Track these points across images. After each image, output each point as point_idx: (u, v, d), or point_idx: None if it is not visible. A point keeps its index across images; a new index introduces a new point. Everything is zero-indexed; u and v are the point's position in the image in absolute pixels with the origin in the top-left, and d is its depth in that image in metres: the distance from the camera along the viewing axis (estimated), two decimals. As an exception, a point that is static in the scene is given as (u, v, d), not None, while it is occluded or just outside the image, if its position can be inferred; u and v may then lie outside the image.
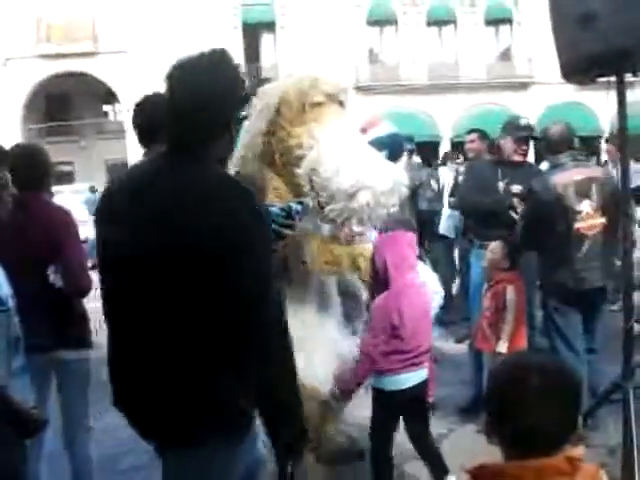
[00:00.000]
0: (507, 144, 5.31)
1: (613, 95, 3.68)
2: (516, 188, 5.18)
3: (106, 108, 31.52)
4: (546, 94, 27.17)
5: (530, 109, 22.79)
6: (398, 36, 29.23)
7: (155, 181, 2.39)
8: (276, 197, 3.91)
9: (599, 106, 26.31)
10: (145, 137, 3.46)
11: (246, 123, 4.17)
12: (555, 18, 3.65)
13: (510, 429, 1.76)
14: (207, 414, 2.29)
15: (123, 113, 27.79)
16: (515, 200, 5.16)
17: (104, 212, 2.51)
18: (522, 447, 1.74)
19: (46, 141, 28.46)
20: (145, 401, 2.36)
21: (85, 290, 3.57)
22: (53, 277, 3.55)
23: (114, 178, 2.83)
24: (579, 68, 3.62)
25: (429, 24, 29.51)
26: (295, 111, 3.89)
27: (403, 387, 3.77)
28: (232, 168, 4.02)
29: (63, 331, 3.52)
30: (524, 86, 28.88)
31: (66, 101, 31.04)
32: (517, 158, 5.33)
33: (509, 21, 29.78)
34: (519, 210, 5.09)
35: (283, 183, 3.98)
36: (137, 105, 3.61)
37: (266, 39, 29.95)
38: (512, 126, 5.41)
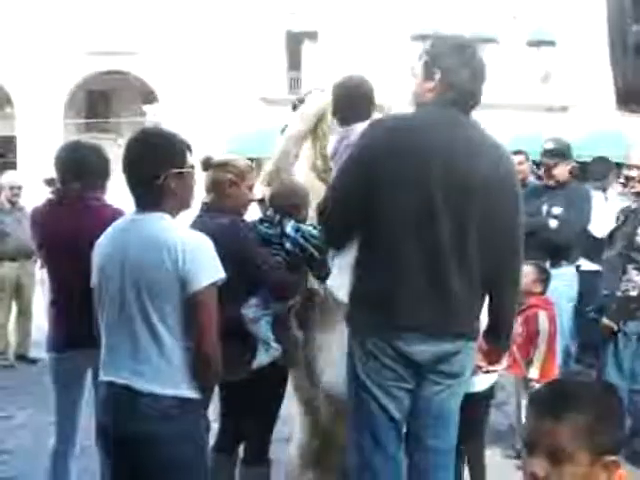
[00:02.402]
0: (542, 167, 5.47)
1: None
2: (556, 210, 5.25)
3: (145, 107, 31.74)
4: (587, 118, 26.97)
5: (568, 133, 22.59)
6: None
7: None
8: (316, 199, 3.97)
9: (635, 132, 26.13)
10: None
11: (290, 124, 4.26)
12: (613, 45, 3.64)
13: None
14: None
15: (162, 113, 27.99)
16: (552, 221, 5.21)
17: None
18: None
19: (84, 137, 28.79)
20: None
21: None
22: None
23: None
24: (635, 97, 3.62)
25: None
26: None
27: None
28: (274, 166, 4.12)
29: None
30: (563, 109, 28.67)
31: (106, 99, 31.32)
32: (547, 182, 5.44)
33: (551, 43, 29.59)
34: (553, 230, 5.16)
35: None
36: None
37: (308, 48, 30.02)
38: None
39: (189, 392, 2.72)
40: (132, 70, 28.35)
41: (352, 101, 3.62)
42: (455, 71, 3.10)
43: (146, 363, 2.69)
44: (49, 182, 7.64)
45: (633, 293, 4.61)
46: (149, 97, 29.99)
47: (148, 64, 27.63)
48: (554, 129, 25.17)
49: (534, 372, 4.74)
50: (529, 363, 4.75)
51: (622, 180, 5.29)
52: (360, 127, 3.37)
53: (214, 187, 3.64)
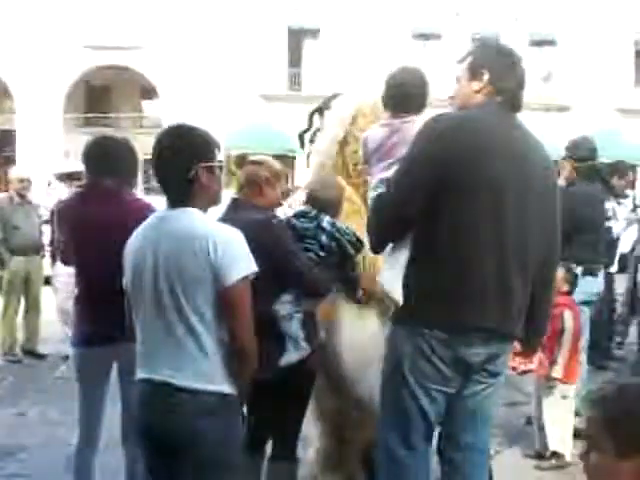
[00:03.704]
0: None
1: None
2: None
3: (145, 103, 31.72)
4: (586, 118, 27.00)
5: (568, 133, 22.61)
6: (442, 50, 29.14)
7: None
8: (350, 208, 3.96)
9: (635, 134, 26.18)
10: None
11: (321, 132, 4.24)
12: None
13: None
14: None
15: (161, 108, 27.95)
16: None
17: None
18: None
19: (83, 131, 28.69)
20: None
21: None
22: None
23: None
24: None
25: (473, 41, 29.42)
26: (369, 123, 3.93)
27: None
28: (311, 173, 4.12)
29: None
30: (564, 109, 28.70)
31: (106, 93, 31.26)
32: None
33: (552, 43, 29.64)
34: None
35: (358, 194, 4.02)
36: None
37: (309, 45, 30.01)
38: None
39: (227, 387, 2.71)
40: (132, 65, 28.29)
41: (408, 93, 3.56)
42: (504, 73, 3.11)
43: (183, 359, 2.68)
44: (67, 177, 7.61)
45: None
46: (149, 92, 29.96)
47: (149, 59, 27.57)
48: (555, 128, 25.32)
49: (558, 371, 4.75)
50: (553, 362, 4.76)
51: None
52: (415, 121, 3.34)
53: (249, 183, 3.65)
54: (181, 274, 2.65)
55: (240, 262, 2.67)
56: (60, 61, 26.85)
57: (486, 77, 3.10)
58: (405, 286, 3.06)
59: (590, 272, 5.64)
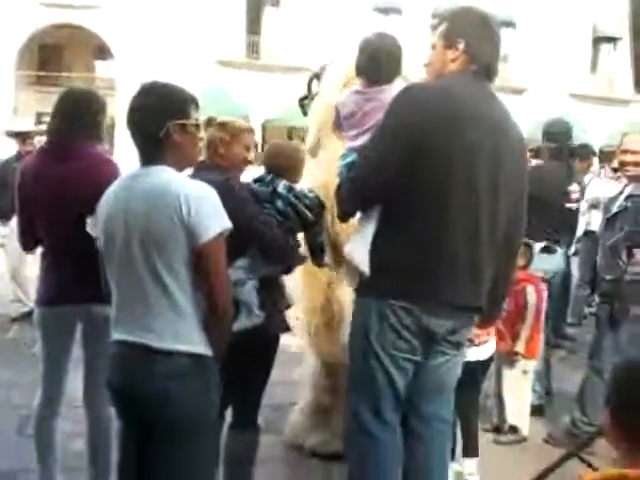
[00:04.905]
0: None
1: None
2: None
3: (99, 63, 31.14)
4: (540, 102, 27.28)
5: (521, 115, 22.85)
6: (402, 24, 29.13)
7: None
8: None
9: (589, 119, 26.58)
10: None
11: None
12: (636, 32, 3.68)
13: (636, 423, 1.78)
14: None
15: (115, 69, 27.50)
16: None
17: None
18: None
19: (35, 90, 28.12)
20: None
21: None
22: (91, 228, 3.47)
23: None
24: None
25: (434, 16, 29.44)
26: None
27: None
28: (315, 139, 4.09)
29: (95, 285, 3.40)
30: (519, 92, 28.95)
31: (59, 52, 30.59)
32: None
33: (510, 24, 29.79)
34: None
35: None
36: None
37: (269, 13, 29.72)
38: None
39: (203, 348, 2.67)
40: (87, 24, 27.71)
41: (383, 60, 3.50)
42: (480, 43, 3.06)
43: (159, 320, 2.63)
44: (15, 135, 7.44)
45: None
46: (103, 53, 29.41)
47: (104, 19, 27.05)
48: (509, 110, 25.36)
49: (521, 346, 4.81)
50: (516, 337, 4.81)
51: (615, 165, 5.37)
52: (390, 89, 3.29)
53: (208, 146, 3.58)
54: (153, 233, 2.59)
55: (214, 219, 2.62)
56: (14, 18, 26.19)
57: (462, 46, 3.05)
58: (373, 257, 3.05)
59: (549, 250, 5.73)
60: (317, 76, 4.39)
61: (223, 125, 3.62)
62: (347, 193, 3.19)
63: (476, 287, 3.05)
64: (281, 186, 3.61)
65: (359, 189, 3.12)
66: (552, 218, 5.77)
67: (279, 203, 3.59)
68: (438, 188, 2.93)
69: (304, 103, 4.52)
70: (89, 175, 3.44)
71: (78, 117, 3.59)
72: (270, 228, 3.48)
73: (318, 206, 3.67)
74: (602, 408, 1.91)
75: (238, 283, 3.40)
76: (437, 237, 2.95)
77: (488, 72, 3.11)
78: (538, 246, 5.50)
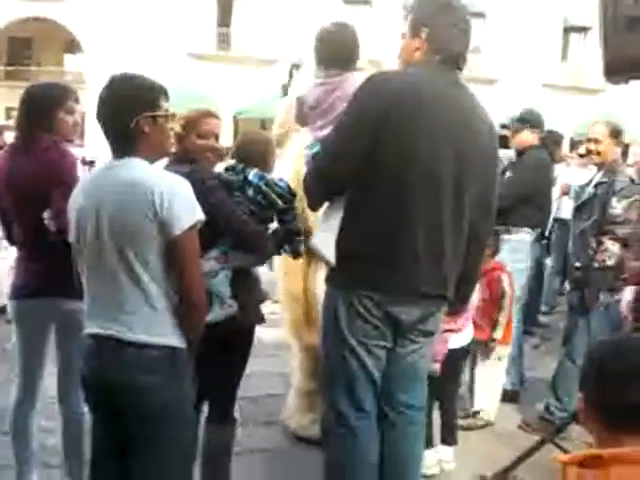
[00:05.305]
0: None
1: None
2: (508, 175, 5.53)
3: (68, 57, 30.87)
4: (512, 92, 27.41)
5: (494, 106, 22.94)
6: (372, 16, 29.13)
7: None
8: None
9: (559, 109, 26.72)
10: None
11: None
12: (605, 20, 3.70)
13: (610, 405, 1.79)
14: None
15: (84, 63, 27.25)
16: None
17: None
18: (622, 425, 1.76)
19: (3, 84, 27.80)
20: None
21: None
22: (48, 221, 3.46)
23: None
24: (621, 69, 3.69)
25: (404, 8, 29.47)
26: None
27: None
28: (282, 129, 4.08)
29: (67, 279, 3.38)
30: (491, 82, 29.06)
31: (28, 46, 30.28)
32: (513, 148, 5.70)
33: (481, 15, 29.88)
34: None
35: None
36: None
37: (239, 4, 29.57)
38: None
39: (176, 341, 2.66)
40: (56, 18, 27.43)
41: (343, 49, 3.49)
42: (443, 31, 3.05)
43: (131, 313, 2.61)
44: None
45: (610, 263, 4.71)
46: (73, 46, 29.14)
47: (73, 12, 26.77)
48: (482, 101, 25.49)
49: (499, 333, 4.85)
50: (495, 325, 4.85)
51: (582, 152, 5.47)
52: (354, 78, 3.29)
53: (175, 139, 3.53)
54: (125, 226, 2.57)
55: (187, 211, 2.60)
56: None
57: (424, 35, 3.05)
58: (338, 247, 3.08)
59: (536, 238, 5.85)
60: (296, 66, 4.40)
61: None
62: (311, 184, 3.22)
63: (439, 276, 3.07)
64: (252, 174, 3.57)
65: (320, 180, 3.15)
66: (548, 206, 5.98)
67: (250, 191, 3.56)
68: (398, 177, 2.94)
69: (286, 92, 4.53)
70: (45, 169, 3.44)
71: (35, 112, 3.57)
72: (239, 215, 3.46)
73: (289, 194, 3.65)
74: (576, 393, 1.93)
75: (210, 274, 3.38)
76: (396, 227, 2.96)
77: (454, 60, 3.09)
78: (533, 234, 5.66)
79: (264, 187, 3.56)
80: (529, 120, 5.78)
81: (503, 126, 5.93)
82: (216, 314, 3.39)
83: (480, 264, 3.43)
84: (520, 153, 5.77)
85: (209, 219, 2.91)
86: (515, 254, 5.49)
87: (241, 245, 3.49)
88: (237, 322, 3.49)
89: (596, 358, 1.90)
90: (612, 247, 4.68)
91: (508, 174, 5.68)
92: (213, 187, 3.42)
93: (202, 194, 3.17)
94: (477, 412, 5.07)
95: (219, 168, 3.78)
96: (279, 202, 3.59)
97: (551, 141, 6.25)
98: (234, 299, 3.46)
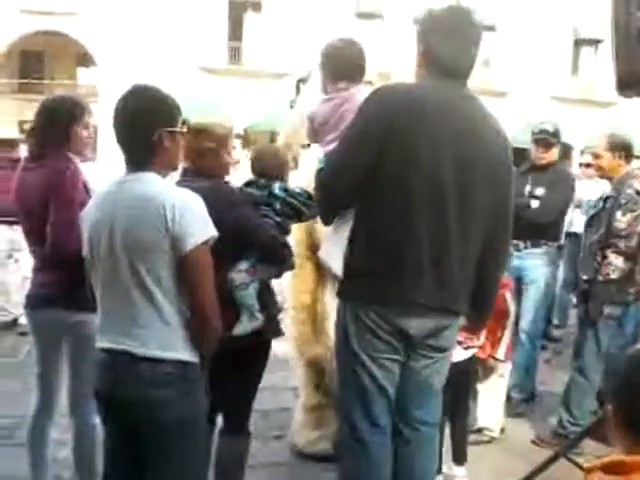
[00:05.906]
0: (532, 149, 5.64)
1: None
2: (539, 191, 5.45)
3: (81, 70, 31.05)
4: (522, 105, 27.40)
5: (504, 119, 22.91)
6: (384, 30, 29.20)
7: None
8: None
9: (569, 122, 26.66)
10: None
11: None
12: (617, 31, 3.70)
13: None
14: None
15: (97, 77, 27.38)
16: (533, 202, 5.41)
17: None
18: None
19: (16, 97, 27.96)
20: None
21: (63, 254, 3.40)
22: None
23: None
24: (634, 82, 3.69)
25: (415, 22, 29.49)
26: None
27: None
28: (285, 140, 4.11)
29: (79, 292, 3.38)
30: (501, 95, 29.04)
31: (41, 60, 30.48)
32: (539, 162, 5.62)
33: (491, 28, 29.91)
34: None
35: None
36: None
37: (251, 18, 29.68)
38: (533, 132, 5.73)
39: (189, 356, 2.66)
40: (69, 32, 27.60)
41: (349, 65, 3.53)
42: (438, 42, 3.04)
43: (144, 327, 2.62)
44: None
45: (614, 276, 4.71)
46: (85, 60, 29.31)
47: (86, 26, 26.92)
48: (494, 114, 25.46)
49: (501, 353, 4.80)
50: (497, 344, 4.80)
51: (584, 161, 5.56)
52: (360, 92, 3.31)
53: (190, 153, 3.52)
54: (138, 241, 2.58)
55: (199, 226, 2.60)
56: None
57: (421, 49, 3.08)
58: (345, 261, 3.09)
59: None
60: (303, 80, 4.43)
61: (204, 132, 3.57)
62: (318, 199, 3.26)
63: (446, 289, 3.05)
64: (277, 188, 3.63)
65: (325, 195, 3.18)
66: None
67: (277, 205, 3.61)
68: (401, 187, 2.94)
69: (293, 105, 4.56)
70: (48, 182, 3.47)
71: (51, 126, 3.59)
72: (266, 229, 3.49)
73: (309, 199, 3.66)
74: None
75: (241, 287, 3.41)
76: (401, 239, 2.96)
77: (454, 73, 3.06)
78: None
79: (290, 199, 3.61)
80: (559, 134, 5.81)
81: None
82: (244, 327, 3.42)
83: (497, 277, 3.37)
84: (542, 167, 5.74)
85: (235, 233, 2.94)
86: (549, 267, 5.73)
87: (269, 258, 3.52)
88: (259, 335, 3.51)
89: (624, 371, 1.88)
90: (616, 260, 4.69)
91: (534, 189, 5.65)
92: (239, 201, 3.45)
93: (228, 208, 3.22)
94: (481, 429, 5.04)
95: (237, 182, 3.82)
96: (305, 211, 3.64)
97: (562, 153, 6.24)
98: (261, 312, 3.49)
